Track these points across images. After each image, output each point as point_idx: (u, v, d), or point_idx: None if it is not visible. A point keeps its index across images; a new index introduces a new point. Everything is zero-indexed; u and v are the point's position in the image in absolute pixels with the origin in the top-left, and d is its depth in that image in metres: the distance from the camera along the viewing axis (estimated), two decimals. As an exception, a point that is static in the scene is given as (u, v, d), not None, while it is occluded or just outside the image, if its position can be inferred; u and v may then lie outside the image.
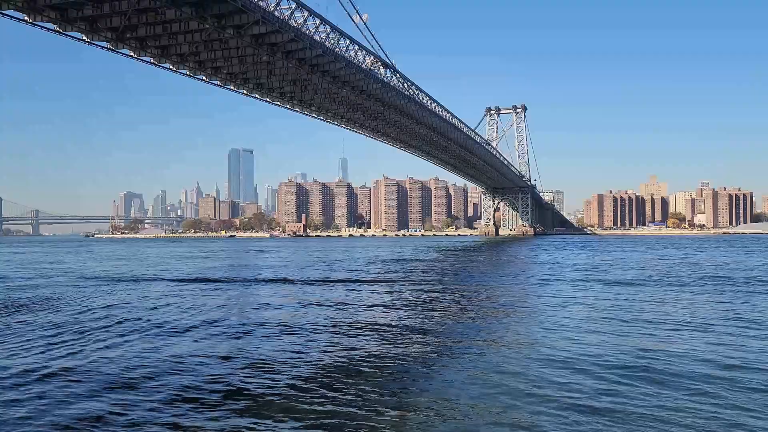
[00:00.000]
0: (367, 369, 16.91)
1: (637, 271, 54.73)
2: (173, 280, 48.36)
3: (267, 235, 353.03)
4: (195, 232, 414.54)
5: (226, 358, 18.70)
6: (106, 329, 24.12)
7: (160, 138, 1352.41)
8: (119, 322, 25.72)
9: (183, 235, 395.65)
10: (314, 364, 17.58)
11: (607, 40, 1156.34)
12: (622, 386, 14.78)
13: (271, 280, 47.19)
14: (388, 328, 23.50)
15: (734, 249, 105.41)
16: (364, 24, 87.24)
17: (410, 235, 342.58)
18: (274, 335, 22.47)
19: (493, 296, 35.09)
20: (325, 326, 24.40)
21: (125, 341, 21.58)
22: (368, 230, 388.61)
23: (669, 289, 37.34)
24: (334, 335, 22.42)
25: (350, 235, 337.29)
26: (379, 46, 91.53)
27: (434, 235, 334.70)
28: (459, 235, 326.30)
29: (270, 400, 13.99)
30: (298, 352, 19.28)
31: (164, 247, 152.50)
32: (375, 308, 29.70)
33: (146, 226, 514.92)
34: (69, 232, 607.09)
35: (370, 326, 23.92)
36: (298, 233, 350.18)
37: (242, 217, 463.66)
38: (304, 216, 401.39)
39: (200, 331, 23.76)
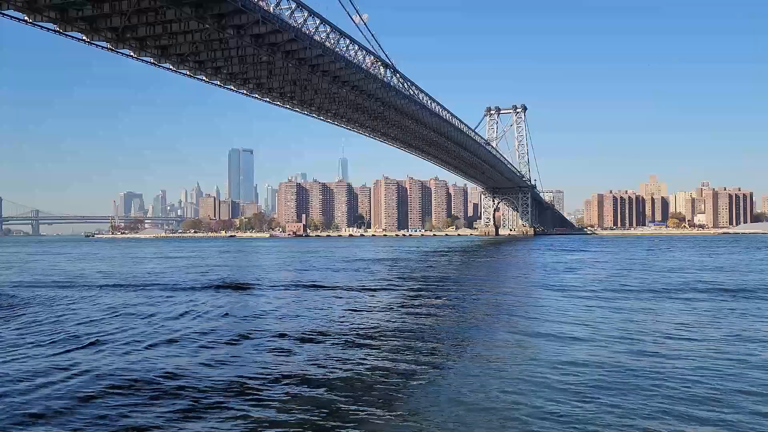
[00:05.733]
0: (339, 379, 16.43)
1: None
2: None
3: (267, 235, 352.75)
4: (195, 232, 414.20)
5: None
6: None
7: (161, 138, 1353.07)
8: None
9: (183, 235, 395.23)
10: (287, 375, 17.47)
11: (607, 40, 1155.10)
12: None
13: (256, 285, 43.27)
14: (373, 338, 22.05)
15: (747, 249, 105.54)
16: (364, 24, 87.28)
17: (410, 235, 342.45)
18: (234, 344, 20.66)
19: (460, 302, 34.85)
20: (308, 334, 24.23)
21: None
22: (368, 230, 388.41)
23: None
24: (311, 343, 21.80)
25: (350, 235, 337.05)
26: (379, 46, 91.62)
27: (434, 235, 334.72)
28: (459, 235, 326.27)
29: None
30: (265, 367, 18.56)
31: (152, 248, 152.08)
32: (361, 314, 28.29)
33: (146, 226, 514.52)
34: (69, 232, 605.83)
35: (353, 335, 22.29)
36: (298, 233, 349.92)
37: (242, 217, 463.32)
38: (304, 216, 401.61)
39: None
